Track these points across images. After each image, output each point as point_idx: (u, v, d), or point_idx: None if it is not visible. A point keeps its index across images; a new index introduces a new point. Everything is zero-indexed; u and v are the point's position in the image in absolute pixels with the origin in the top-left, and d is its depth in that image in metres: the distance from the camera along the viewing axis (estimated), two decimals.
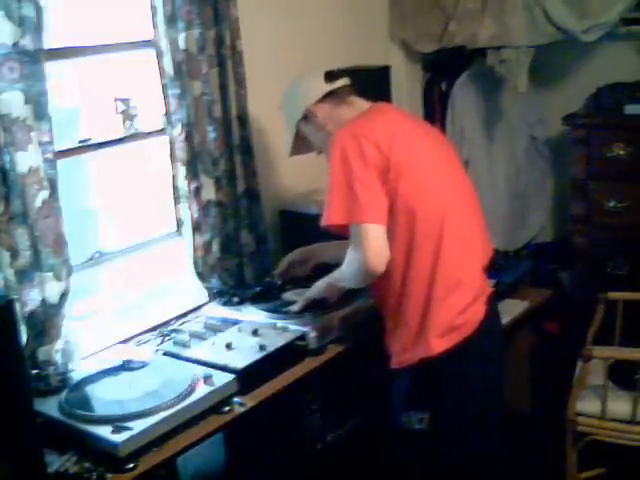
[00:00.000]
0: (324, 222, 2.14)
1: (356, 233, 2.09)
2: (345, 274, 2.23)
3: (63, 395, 2.13)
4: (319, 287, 2.44)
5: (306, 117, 2.30)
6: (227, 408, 2.12)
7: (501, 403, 2.31)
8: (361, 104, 2.29)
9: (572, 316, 3.42)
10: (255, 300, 2.66)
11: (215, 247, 2.77)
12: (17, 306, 2.04)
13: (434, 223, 2.09)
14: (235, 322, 2.52)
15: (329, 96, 2.29)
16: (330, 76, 2.30)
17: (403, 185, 2.07)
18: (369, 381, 2.52)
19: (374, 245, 2.06)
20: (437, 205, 2.11)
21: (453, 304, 2.10)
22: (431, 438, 2.13)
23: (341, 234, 2.17)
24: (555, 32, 3.45)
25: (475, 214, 2.24)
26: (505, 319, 2.83)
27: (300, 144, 2.39)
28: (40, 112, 2.15)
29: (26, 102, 2.11)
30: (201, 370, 2.19)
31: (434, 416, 2.11)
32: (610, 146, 3.33)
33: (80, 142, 2.51)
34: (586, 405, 2.66)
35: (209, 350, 2.33)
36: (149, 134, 2.72)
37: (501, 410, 2.31)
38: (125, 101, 2.64)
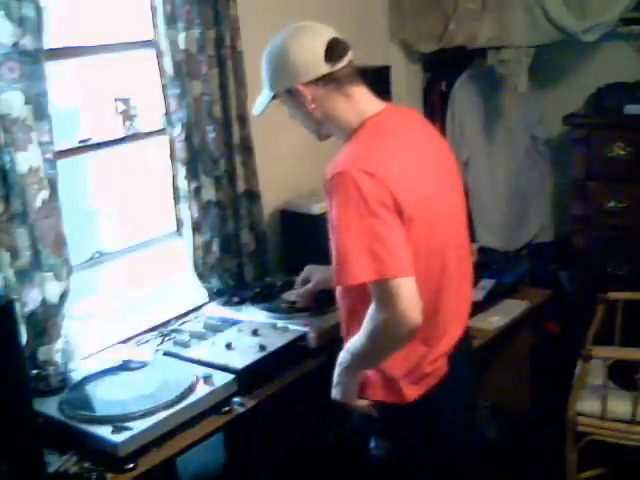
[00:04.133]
0: (348, 281, 1.76)
1: (383, 290, 1.73)
2: (370, 344, 1.81)
3: (63, 395, 2.13)
4: (338, 380, 2.01)
5: (290, 91, 1.95)
6: (227, 408, 2.12)
7: (475, 440, 2.20)
8: (358, 99, 1.98)
9: (572, 316, 3.43)
10: (255, 300, 2.66)
11: (215, 247, 2.77)
12: (17, 306, 2.04)
13: (434, 274, 1.90)
14: (235, 322, 2.52)
15: (325, 78, 1.93)
16: (332, 54, 1.96)
17: (411, 235, 1.80)
18: None
19: (410, 301, 1.73)
20: (439, 255, 1.91)
21: (433, 353, 1.93)
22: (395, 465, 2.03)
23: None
24: (555, 32, 3.45)
25: (466, 254, 2.04)
26: (505, 319, 2.85)
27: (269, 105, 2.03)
28: (40, 112, 2.15)
29: (26, 102, 2.11)
30: (201, 370, 2.19)
31: (400, 448, 2.00)
32: (610, 146, 3.32)
33: (80, 142, 2.51)
34: (586, 405, 2.66)
35: (209, 350, 2.33)
36: (149, 134, 2.72)
37: (476, 445, 2.20)
38: (125, 101, 2.64)
